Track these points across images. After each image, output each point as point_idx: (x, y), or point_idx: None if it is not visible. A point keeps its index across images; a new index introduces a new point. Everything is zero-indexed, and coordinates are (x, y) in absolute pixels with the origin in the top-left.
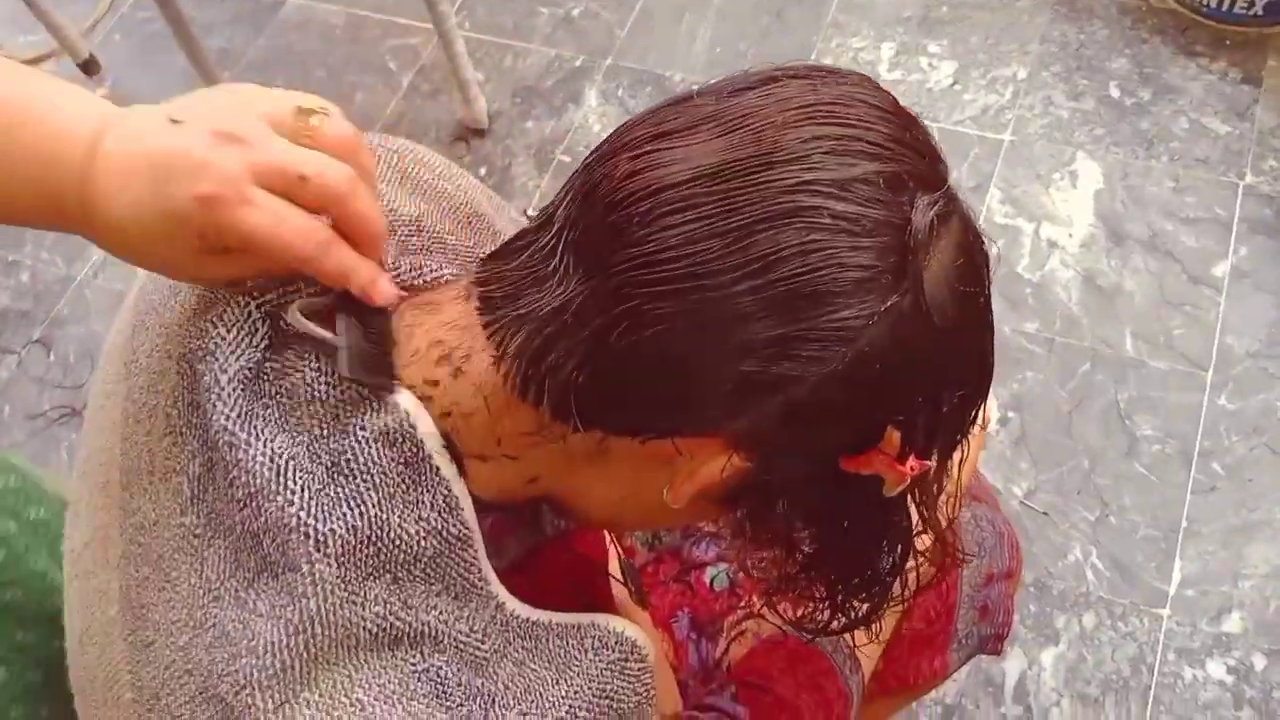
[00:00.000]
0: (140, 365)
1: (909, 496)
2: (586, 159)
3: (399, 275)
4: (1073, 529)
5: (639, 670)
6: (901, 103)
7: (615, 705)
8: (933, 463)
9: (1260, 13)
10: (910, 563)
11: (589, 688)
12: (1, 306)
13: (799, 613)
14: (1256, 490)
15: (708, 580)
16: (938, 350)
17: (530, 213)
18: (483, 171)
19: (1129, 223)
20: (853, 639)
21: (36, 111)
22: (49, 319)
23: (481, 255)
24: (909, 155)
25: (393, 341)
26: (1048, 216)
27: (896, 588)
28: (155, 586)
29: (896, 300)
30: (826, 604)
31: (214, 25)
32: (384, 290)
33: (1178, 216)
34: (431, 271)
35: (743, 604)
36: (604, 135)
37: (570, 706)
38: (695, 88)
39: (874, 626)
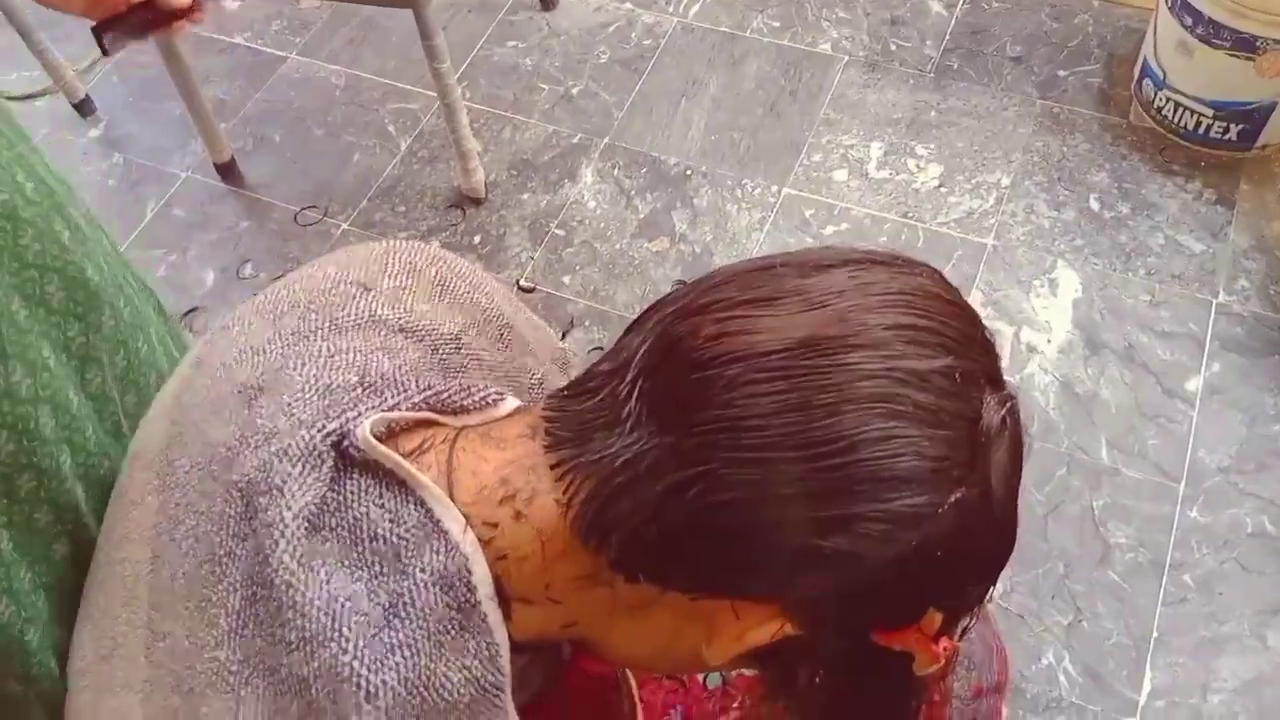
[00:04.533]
0: (177, 480)
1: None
2: (661, 310)
3: (449, 396)
4: (1046, 632)
5: None
6: (894, 209)
7: None
8: (959, 643)
9: (1235, 138)
10: None
11: None
12: None
13: None
14: (1226, 604)
15: (701, 678)
16: (992, 539)
17: (523, 282)
18: (477, 240)
19: (1106, 332)
20: None
21: None
22: None
23: (513, 370)
24: (979, 352)
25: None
26: (1028, 321)
27: None
28: None
29: (965, 492)
30: None
31: (212, 75)
32: None
33: (1153, 330)
34: (480, 391)
35: (735, 704)
36: (599, 212)
37: None
38: (778, 257)
39: None
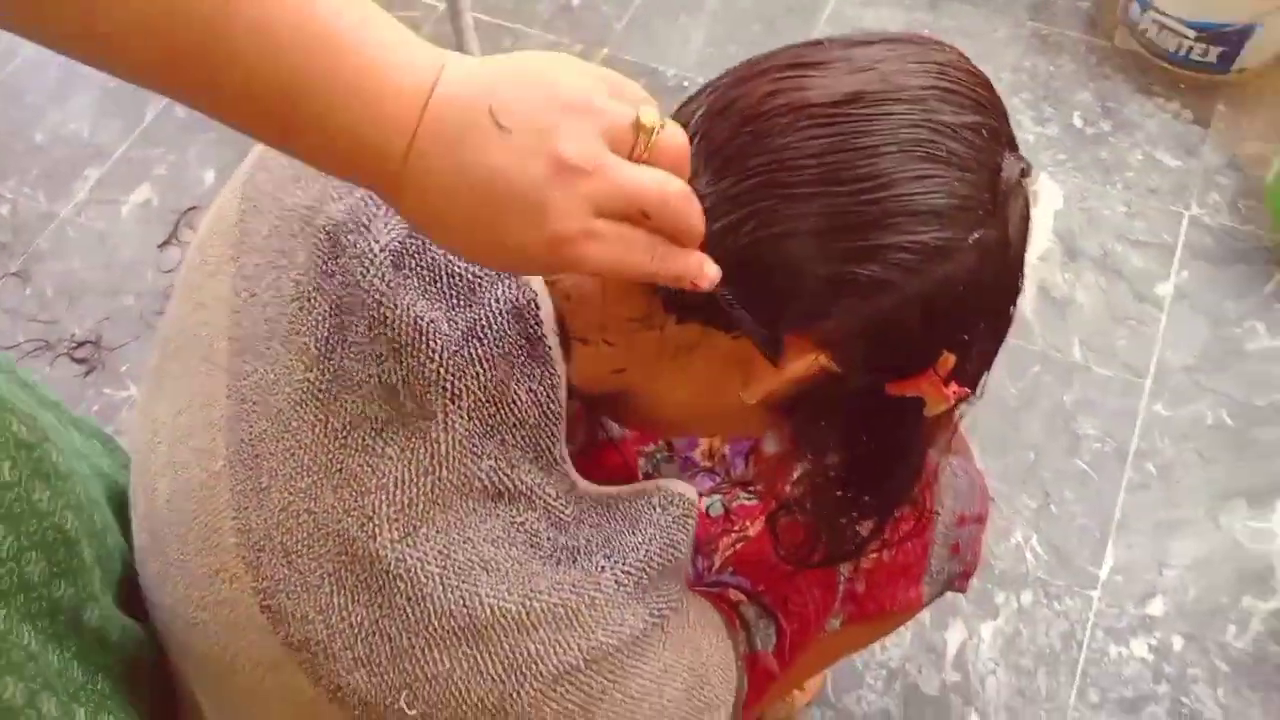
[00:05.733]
0: (254, 245)
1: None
2: (713, 85)
3: None
4: (1016, 514)
5: (692, 525)
6: None
7: (676, 554)
8: (969, 391)
9: (1214, 61)
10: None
11: (660, 536)
12: None
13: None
14: (1183, 490)
15: (704, 508)
16: (1004, 282)
17: None
18: None
19: (1083, 241)
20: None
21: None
22: (28, 253)
23: None
24: (1000, 118)
25: None
26: None
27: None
28: (273, 438)
29: (985, 232)
30: (825, 533)
31: None
32: (711, 274)
33: (1127, 239)
34: None
35: (736, 528)
36: None
37: (646, 551)
38: (823, 38)
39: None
